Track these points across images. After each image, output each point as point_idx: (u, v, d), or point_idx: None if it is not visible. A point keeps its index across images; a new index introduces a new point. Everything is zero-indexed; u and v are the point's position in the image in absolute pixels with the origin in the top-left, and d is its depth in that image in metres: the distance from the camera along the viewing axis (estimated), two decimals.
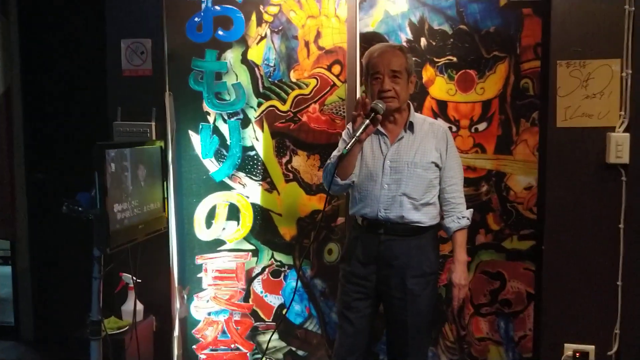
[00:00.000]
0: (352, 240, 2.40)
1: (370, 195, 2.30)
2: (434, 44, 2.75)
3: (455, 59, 2.73)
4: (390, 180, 2.28)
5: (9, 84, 3.61)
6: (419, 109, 2.76)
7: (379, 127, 2.25)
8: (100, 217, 2.14)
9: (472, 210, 2.38)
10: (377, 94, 2.23)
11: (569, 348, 2.68)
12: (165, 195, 2.83)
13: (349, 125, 2.38)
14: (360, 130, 2.08)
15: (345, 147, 2.10)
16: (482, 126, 2.75)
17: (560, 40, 2.57)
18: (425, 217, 2.31)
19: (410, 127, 2.32)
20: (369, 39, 2.78)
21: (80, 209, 2.18)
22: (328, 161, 2.33)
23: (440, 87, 2.76)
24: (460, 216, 2.35)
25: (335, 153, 2.32)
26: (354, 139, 2.08)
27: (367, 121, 2.09)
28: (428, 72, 2.76)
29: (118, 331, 2.81)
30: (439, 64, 2.75)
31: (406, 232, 2.29)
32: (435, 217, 2.35)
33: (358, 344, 2.38)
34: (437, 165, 2.32)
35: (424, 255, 2.32)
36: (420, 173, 2.28)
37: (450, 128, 2.74)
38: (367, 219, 2.33)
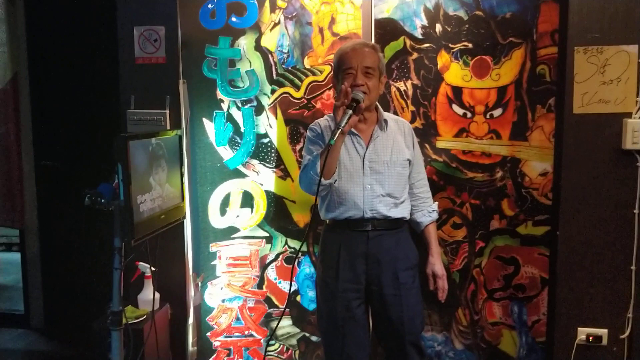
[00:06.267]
0: (332, 244, 2.35)
1: (353, 197, 2.27)
2: (449, 30, 2.73)
3: (470, 45, 2.72)
4: (372, 181, 2.28)
5: (16, 70, 3.58)
6: (433, 95, 2.77)
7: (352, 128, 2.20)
8: (124, 209, 2.13)
9: (437, 203, 2.50)
10: None
11: (582, 332, 2.72)
12: (182, 184, 2.83)
13: (315, 126, 2.38)
14: (345, 121, 2.05)
15: (331, 139, 2.04)
16: (497, 112, 2.74)
17: (577, 26, 2.57)
18: (405, 212, 2.36)
19: (385, 124, 2.32)
20: (384, 25, 2.77)
21: (102, 200, 2.17)
22: (304, 164, 2.29)
23: (455, 73, 2.75)
24: (430, 210, 2.46)
25: (308, 155, 2.28)
26: (338, 130, 2.04)
27: (350, 111, 2.07)
28: (443, 58, 2.75)
29: (136, 320, 2.82)
30: (454, 50, 2.74)
31: (392, 226, 2.32)
32: (409, 211, 2.41)
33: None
34: (410, 162, 2.36)
35: (408, 247, 2.38)
36: (400, 171, 2.32)
37: (464, 114, 2.76)
38: (351, 220, 2.30)
